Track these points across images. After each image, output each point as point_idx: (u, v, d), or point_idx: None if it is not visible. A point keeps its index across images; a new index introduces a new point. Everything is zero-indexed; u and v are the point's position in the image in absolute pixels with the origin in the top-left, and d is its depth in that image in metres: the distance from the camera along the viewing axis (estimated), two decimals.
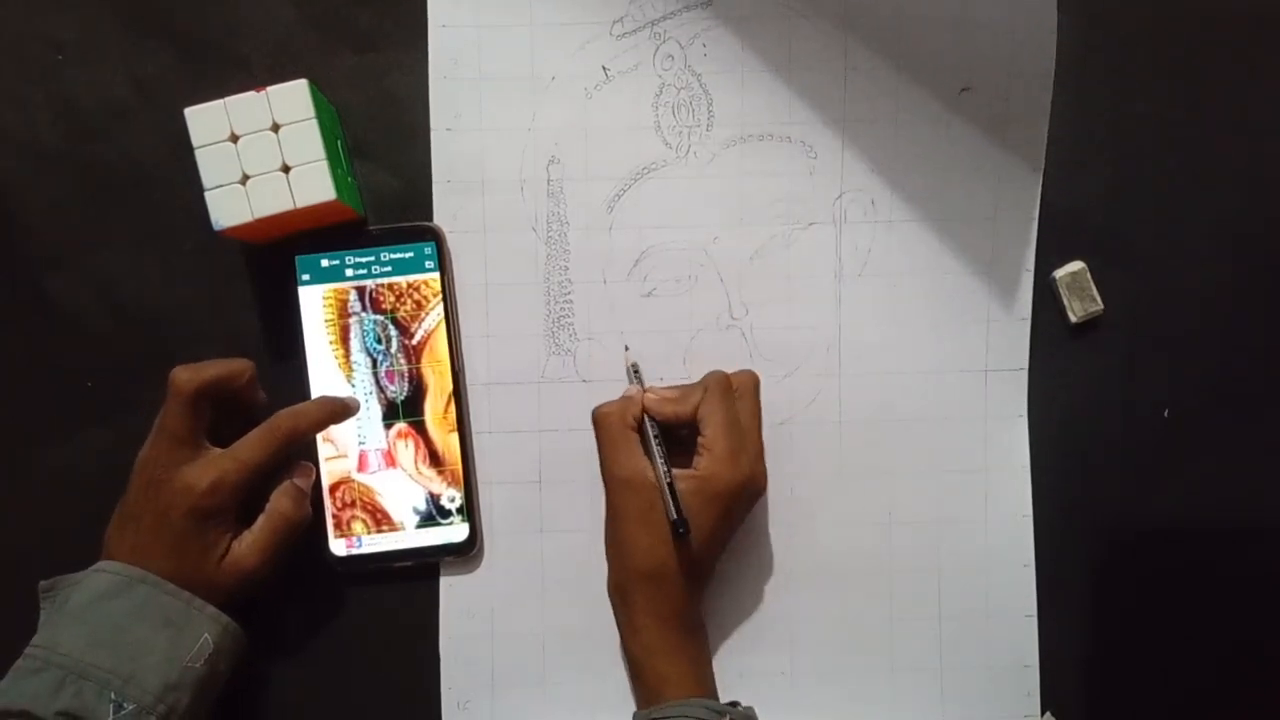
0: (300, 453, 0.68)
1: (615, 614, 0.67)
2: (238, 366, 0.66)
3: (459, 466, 0.70)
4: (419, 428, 0.70)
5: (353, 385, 0.69)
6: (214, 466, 0.62)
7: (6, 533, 0.70)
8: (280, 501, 0.66)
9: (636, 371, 0.69)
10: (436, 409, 0.70)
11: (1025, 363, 0.71)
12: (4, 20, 0.70)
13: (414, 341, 0.69)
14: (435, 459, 0.70)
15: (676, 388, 0.68)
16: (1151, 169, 0.71)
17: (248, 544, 0.64)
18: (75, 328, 0.70)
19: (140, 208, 0.70)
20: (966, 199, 0.70)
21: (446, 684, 0.70)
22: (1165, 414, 0.71)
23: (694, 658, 0.66)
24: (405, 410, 0.70)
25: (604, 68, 0.70)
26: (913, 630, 0.71)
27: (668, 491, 0.63)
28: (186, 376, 0.63)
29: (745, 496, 0.65)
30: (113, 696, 0.58)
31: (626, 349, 0.70)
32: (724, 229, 0.70)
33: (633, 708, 0.68)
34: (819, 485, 0.70)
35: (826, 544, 0.70)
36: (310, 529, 0.68)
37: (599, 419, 0.67)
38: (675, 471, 0.64)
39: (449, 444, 0.70)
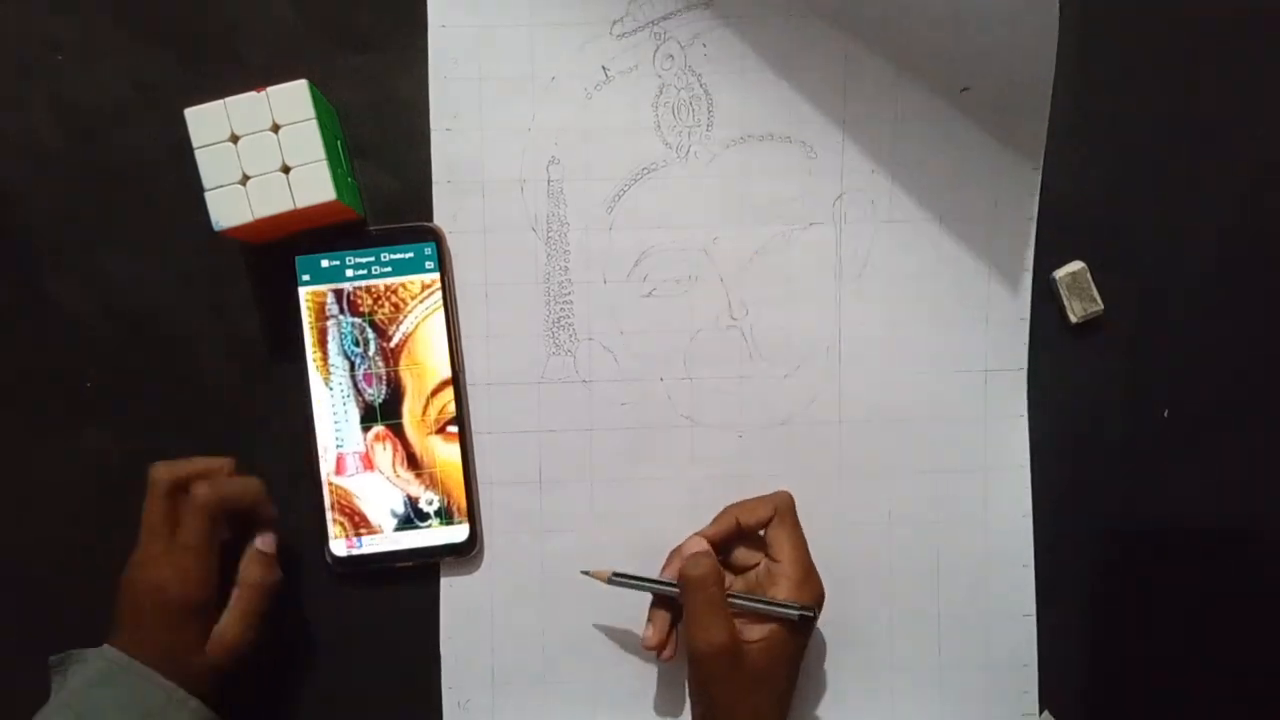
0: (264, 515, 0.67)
1: None
2: (240, 488, 0.66)
3: (437, 469, 0.70)
4: (397, 430, 0.70)
5: (330, 388, 0.69)
6: (174, 563, 0.62)
7: (6, 532, 0.70)
8: (249, 570, 0.65)
9: (628, 577, 0.68)
10: (415, 411, 0.69)
11: (1025, 363, 0.71)
12: (4, 20, 0.69)
13: (392, 344, 0.69)
14: (413, 461, 0.70)
15: (719, 518, 0.68)
16: (1151, 169, 0.71)
17: (226, 621, 0.64)
18: (75, 328, 0.70)
19: (140, 208, 0.70)
20: (966, 199, 0.70)
21: (447, 683, 0.70)
22: (1165, 414, 0.71)
23: None
24: (383, 413, 0.69)
25: (604, 68, 0.70)
26: (911, 629, 0.71)
27: (776, 605, 0.63)
28: (163, 472, 0.63)
29: (818, 614, 0.66)
30: None
31: (587, 572, 0.68)
32: (724, 229, 0.70)
33: (631, 705, 0.69)
34: (819, 485, 0.70)
35: (826, 544, 0.69)
36: (309, 530, 0.68)
37: (696, 582, 0.63)
38: (751, 626, 0.64)
39: (427, 446, 0.70)
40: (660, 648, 0.67)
